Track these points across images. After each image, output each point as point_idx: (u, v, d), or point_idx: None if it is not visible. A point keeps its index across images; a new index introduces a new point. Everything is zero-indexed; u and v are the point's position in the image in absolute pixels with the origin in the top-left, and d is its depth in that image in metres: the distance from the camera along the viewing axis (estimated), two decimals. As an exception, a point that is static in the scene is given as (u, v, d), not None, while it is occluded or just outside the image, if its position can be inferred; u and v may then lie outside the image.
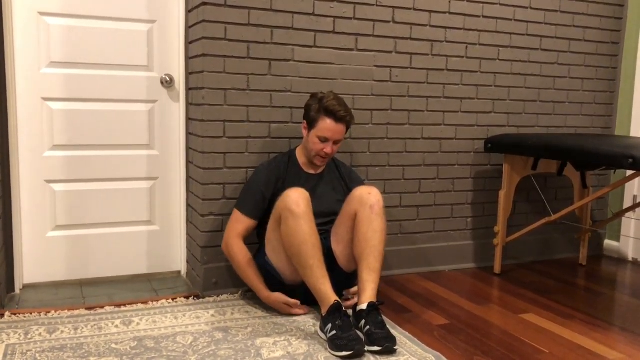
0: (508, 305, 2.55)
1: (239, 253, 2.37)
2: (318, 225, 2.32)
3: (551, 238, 3.36)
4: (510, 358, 2.00)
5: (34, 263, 2.63)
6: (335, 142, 2.37)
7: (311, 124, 2.36)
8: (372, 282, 2.18)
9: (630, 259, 3.40)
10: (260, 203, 2.39)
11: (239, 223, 2.39)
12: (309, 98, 2.43)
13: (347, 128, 2.39)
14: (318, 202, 2.40)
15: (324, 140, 2.34)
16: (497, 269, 3.03)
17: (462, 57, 2.98)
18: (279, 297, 2.33)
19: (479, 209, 3.15)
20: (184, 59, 2.72)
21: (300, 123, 2.59)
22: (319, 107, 2.34)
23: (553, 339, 2.19)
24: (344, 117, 2.33)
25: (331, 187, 2.50)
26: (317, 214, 2.31)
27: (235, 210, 2.42)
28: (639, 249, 3.36)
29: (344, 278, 2.41)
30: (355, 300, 2.29)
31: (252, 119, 2.56)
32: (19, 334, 2.08)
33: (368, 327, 2.04)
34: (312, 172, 2.48)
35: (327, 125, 2.32)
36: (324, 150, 2.36)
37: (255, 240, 2.51)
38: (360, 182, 2.57)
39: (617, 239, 3.47)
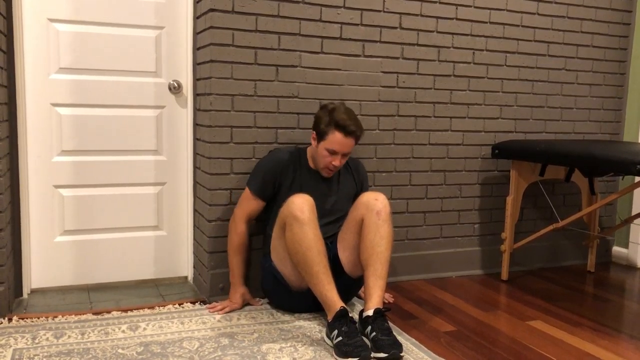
0: (515, 312, 2.53)
1: (238, 237, 2.42)
2: (326, 223, 2.33)
3: (559, 245, 3.34)
4: (517, 365, 2.00)
5: (42, 268, 2.64)
6: (344, 155, 2.37)
7: (321, 136, 2.35)
8: (378, 289, 2.18)
9: (638, 265, 3.37)
10: (270, 185, 2.41)
11: (249, 201, 2.42)
12: (319, 109, 2.42)
13: (356, 142, 2.39)
14: (325, 199, 2.41)
15: (332, 152, 2.34)
16: (505, 275, 3.02)
17: (469, 63, 2.98)
18: (242, 295, 2.46)
19: (486, 215, 3.14)
20: (191, 65, 2.73)
21: (307, 129, 2.60)
22: (330, 119, 2.31)
23: (561, 346, 2.18)
24: (354, 131, 2.31)
25: (337, 183, 2.50)
26: (324, 212, 2.31)
27: (246, 188, 2.44)
28: (648, 255, 3.34)
29: (350, 284, 2.41)
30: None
31: (259, 125, 2.57)
32: (27, 339, 2.09)
33: (374, 333, 2.04)
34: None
35: (336, 138, 2.31)
36: (333, 162, 2.35)
37: (259, 244, 2.51)
38: (366, 178, 2.62)
39: (626, 245, 3.44)
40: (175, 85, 2.73)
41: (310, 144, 2.48)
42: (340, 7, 2.65)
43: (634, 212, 3.38)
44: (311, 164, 2.47)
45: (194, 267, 2.82)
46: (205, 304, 2.50)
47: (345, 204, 2.45)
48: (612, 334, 2.32)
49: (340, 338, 2.00)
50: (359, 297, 2.55)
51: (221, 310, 2.39)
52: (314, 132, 2.39)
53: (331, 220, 2.43)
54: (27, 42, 2.50)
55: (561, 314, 2.52)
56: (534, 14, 3.09)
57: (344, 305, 2.10)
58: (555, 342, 2.22)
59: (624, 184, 3.44)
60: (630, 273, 3.26)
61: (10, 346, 2.02)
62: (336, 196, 2.48)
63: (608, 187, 3.43)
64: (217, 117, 2.49)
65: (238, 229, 2.43)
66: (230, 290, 2.47)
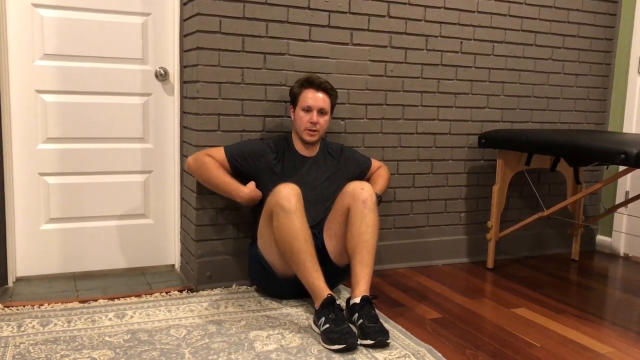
0: (500, 300, 2.56)
1: (211, 161, 2.38)
2: (313, 209, 2.33)
3: (544, 233, 3.38)
4: (502, 352, 2.02)
5: (28, 256, 2.62)
6: (321, 113, 2.41)
7: (295, 100, 2.44)
8: (365, 276, 2.19)
9: (622, 254, 3.42)
10: (243, 157, 2.41)
11: (216, 155, 2.41)
12: None
13: (331, 102, 2.45)
14: (311, 185, 2.43)
15: (307, 109, 2.40)
16: (490, 263, 3.05)
17: (457, 52, 2.99)
18: (253, 188, 2.37)
19: (472, 204, 3.17)
20: (178, 52, 2.71)
21: (295, 117, 2.60)
22: (300, 83, 2.44)
23: (545, 333, 2.21)
24: (322, 83, 2.42)
25: (324, 170, 2.52)
26: (310, 200, 2.31)
27: (222, 148, 2.43)
28: (631, 244, 3.38)
29: (337, 272, 2.42)
30: None
31: (247, 113, 2.56)
32: (12, 327, 2.08)
33: (361, 320, 2.05)
34: (306, 154, 2.49)
35: (307, 94, 2.40)
36: (310, 120, 2.39)
37: (246, 233, 2.51)
38: (355, 158, 2.63)
39: (609, 234, 3.49)
40: (162, 72, 2.71)
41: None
42: (328, -6, 2.65)
43: (617, 201, 3.42)
44: (297, 146, 2.48)
45: (181, 255, 2.82)
46: (192, 292, 2.50)
47: (333, 190, 2.46)
48: (595, 320, 2.35)
49: (327, 325, 2.01)
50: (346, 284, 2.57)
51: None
52: (291, 105, 2.47)
53: (319, 206, 2.44)
54: (10, 28, 2.47)
55: (545, 302, 2.56)
56: (521, 3, 3.10)
57: (331, 293, 2.11)
58: (540, 328, 2.25)
59: (608, 173, 3.48)
60: (613, 261, 3.30)
61: (-4, 334, 2.01)
62: (323, 182, 2.49)
63: (593, 176, 3.47)
64: (204, 104, 2.48)
65: (205, 159, 2.38)
66: (251, 194, 2.36)
